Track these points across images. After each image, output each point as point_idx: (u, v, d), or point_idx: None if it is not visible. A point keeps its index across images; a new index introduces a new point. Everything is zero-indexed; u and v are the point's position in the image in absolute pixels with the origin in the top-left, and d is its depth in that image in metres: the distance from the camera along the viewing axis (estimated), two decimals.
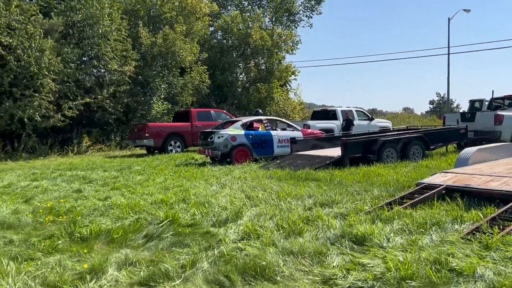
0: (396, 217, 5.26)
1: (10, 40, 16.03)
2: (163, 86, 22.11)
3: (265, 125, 13.64)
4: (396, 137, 11.35)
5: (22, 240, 4.97)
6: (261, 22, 30.79)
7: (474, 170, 7.13)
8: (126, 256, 4.20)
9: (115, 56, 19.88)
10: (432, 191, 6.13)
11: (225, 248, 4.28)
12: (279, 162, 11.26)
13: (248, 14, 30.97)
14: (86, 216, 5.99)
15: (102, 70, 20.03)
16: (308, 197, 6.76)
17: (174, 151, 17.22)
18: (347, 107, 20.03)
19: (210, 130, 13.59)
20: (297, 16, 33.26)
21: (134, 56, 20.96)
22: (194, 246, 4.42)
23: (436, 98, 66.48)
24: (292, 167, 10.40)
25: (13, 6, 16.15)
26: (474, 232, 4.50)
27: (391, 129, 18.21)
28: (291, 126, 14.25)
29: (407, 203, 5.84)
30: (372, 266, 3.72)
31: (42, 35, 16.56)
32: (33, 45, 15.81)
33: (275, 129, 14.07)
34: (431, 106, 67.14)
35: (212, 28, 29.93)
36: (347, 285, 3.39)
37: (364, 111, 20.48)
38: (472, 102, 16.75)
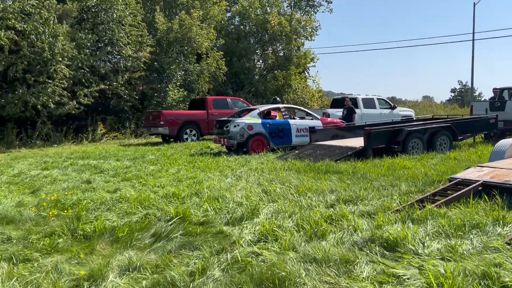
0: (430, 217, 4.73)
1: (25, 26, 15.76)
2: (179, 73, 21.68)
3: (283, 113, 13.11)
4: (423, 127, 10.71)
5: (21, 237, 4.60)
6: (280, 7, 30.04)
7: None
8: (129, 260, 3.78)
9: (129, 41, 19.50)
10: (468, 188, 5.56)
11: (240, 252, 3.82)
12: (298, 153, 10.76)
13: None
14: (92, 210, 5.61)
15: (116, 56, 19.67)
16: (330, 192, 6.26)
17: (189, 139, 16.84)
18: (366, 95, 19.28)
19: (226, 118, 13.13)
20: (317, 1, 32.27)
21: (149, 42, 20.55)
22: (205, 249, 3.98)
23: (458, 86, 64.74)
24: (311, 158, 9.89)
25: None
26: None
27: (414, 118, 17.49)
28: (310, 114, 13.69)
29: (441, 201, 5.30)
30: (408, 278, 3.22)
31: (56, 20, 16.24)
32: (46, 31, 15.49)
33: (293, 118, 13.53)
34: (453, 94, 65.43)
35: (229, 13, 29.31)
36: None
37: (385, 100, 19.72)
38: (500, 90, 15.88)
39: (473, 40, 30.55)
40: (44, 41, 15.64)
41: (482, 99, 39.76)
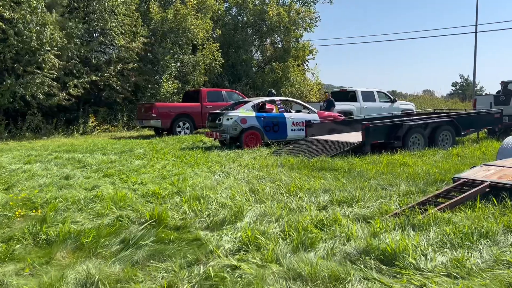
0: (432, 223, 4.24)
1: (12, 14, 15.18)
2: (174, 64, 21.09)
3: (279, 106, 12.59)
4: (424, 122, 10.19)
5: None
6: None
7: None
8: (88, 272, 3.29)
9: (122, 31, 18.90)
10: (474, 190, 5.06)
11: (214, 265, 3.33)
12: (293, 148, 10.26)
13: None
14: (61, 211, 5.10)
15: (109, 46, 19.08)
16: (323, 192, 5.77)
17: (182, 132, 16.33)
18: (367, 88, 18.70)
19: (218, 111, 12.61)
20: None
21: (143, 32, 19.95)
22: (176, 260, 3.48)
23: (459, 80, 64.06)
24: (306, 153, 9.39)
25: None
26: None
27: (414, 112, 16.97)
28: (307, 108, 13.16)
29: (444, 204, 4.80)
30: None
31: (45, 8, 15.64)
32: (34, 19, 14.90)
33: (289, 111, 13.01)
34: (454, 88, 64.75)
35: (227, 4, 28.65)
36: None
37: (385, 93, 19.14)
38: (504, 83, 15.33)
39: (476, 32, 29.97)
40: (32, 30, 15.04)
41: (484, 93, 39.17)
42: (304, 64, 31.37)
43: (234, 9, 28.37)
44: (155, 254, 3.66)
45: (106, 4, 17.91)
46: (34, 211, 5.15)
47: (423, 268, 3.21)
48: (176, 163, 8.93)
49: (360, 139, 9.55)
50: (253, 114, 11.81)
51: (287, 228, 4.09)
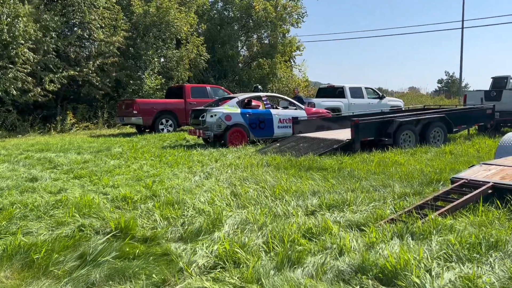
0: (434, 230, 3.77)
1: None
2: (157, 59, 20.42)
3: (265, 102, 12.07)
4: (415, 118, 9.77)
5: None
6: None
7: None
8: None
9: (102, 25, 18.17)
10: (476, 192, 4.61)
11: None
12: (279, 146, 9.76)
13: None
14: (17, 219, 4.53)
15: (88, 40, 18.34)
16: (311, 195, 5.28)
17: (165, 130, 15.71)
18: (355, 84, 18.26)
19: (201, 108, 12.04)
20: None
21: (124, 26, 19.22)
22: (139, 282, 2.95)
23: (445, 77, 64.21)
24: (293, 151, 8.90)
25: None
26: None
27: (403, 109, 16.62)
28: (294, 104, 12.66)
29: (445, 208, 4.34)
30: None
31: (17, 0, 14.86)
32: (5, 11, 14.13)
33: (276, 108, 12.50)
34: (439, 85, 64.92)
35: None
36: None
37: (374, 89, 18.75)
38: (495, 79, 15.04)
39: (462, 28, 29.82)
40: (3, 22, 14.27)
41: (468, 90, 39.10)
42: (291, 61, 30.89)
43: (220, 4, 27.75)
44: (115, 273, 3.12)
45: None
46: None
47: None
48: (154, 162, 8.36)
49: (349, 137, 9.09)
50: (238, 110, 11.28)
51: (270, 239, 3.58)
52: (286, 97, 13.97)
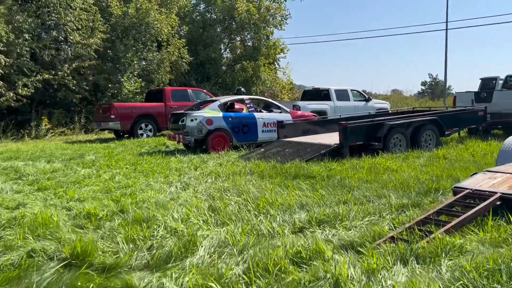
0: (442, 252, 3.26)
1: None
2: (137, 62, 19.72)
3: (248, 106, 11.52)
4: (406, 121, 9.33)
5: None
6: None
7: None
8: None
9: (79, 27, 17.42)
10: (483, 204, 4.12)
11: None
12: (263, 151, 9.22)
13: None
14: None
15: (64, 42, 17.55)
16: (299, 208, 4.74)
17: (145, 135, 15.03)
18: (340, 86, 17.83)
19: (181, 111, 11.43)
20: None
21: (102, 28, 18.48)
22: None
23: (428, 79, 64.62)
24: (278, 157, 8.37)
25: None
26: None
27: (390, 111, 16.23)
28: (279, 107, 12.14)
29: (450, 224, 3.84)
30: None
31: None
32: None
33: (260, 111, 11.96)
34: (423, 87, 65.30)
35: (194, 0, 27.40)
36: None
37: (360, 91, 18.36)
38: (484, 80, 14.74)
39: (446, 29, 29.74)
40: None
41: (451, 92, 39.16)
42: (276, 63, 30.44)
43: (202, 5, 27.16)
44: None
45: None
46: None
47: None
48: (128, 171, 7.74)
49: (337, 141, 8.59)
50: (220, 114, 10.70)
51: (252, 267, 3.01)
52: (270, 99, 13.45)
